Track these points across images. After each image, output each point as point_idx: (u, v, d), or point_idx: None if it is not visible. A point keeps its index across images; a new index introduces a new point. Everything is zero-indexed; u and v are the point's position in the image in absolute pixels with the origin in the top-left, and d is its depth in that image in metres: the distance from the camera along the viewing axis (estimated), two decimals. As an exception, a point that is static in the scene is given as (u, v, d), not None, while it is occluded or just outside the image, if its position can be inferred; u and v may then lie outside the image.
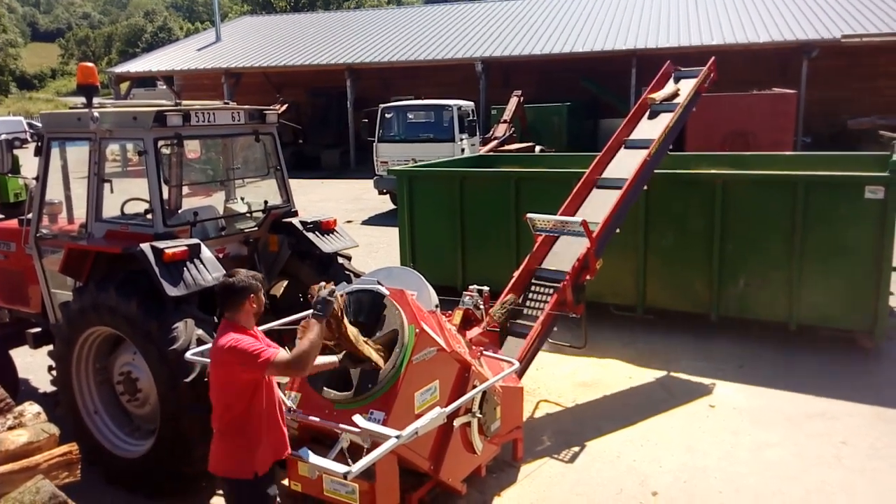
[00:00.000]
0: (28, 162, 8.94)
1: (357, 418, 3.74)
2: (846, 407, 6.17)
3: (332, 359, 3.96)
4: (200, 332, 4.72)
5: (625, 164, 7.32)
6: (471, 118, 17.94)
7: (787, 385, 6.62)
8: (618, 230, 6.67)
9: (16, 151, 6.57)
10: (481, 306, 5.39)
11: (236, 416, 3.45)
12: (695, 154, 10.86)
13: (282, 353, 3.36)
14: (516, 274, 6.43)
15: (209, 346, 4.38)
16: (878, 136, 20.49)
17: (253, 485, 3.50)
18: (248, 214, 6.23)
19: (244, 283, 3.52)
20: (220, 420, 3.49)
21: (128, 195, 5.71)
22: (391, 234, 11.89)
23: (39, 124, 6.20)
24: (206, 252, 5.03)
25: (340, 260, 6.12)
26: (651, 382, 6.87)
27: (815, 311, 7.28)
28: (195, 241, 5.07)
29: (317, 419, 3.97)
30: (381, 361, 4.08)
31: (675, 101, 7.86)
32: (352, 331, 3.98)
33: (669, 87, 8.17)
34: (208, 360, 3.72)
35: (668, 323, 8.06)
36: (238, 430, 3.46)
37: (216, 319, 5.08)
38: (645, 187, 7.23)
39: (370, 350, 4.08)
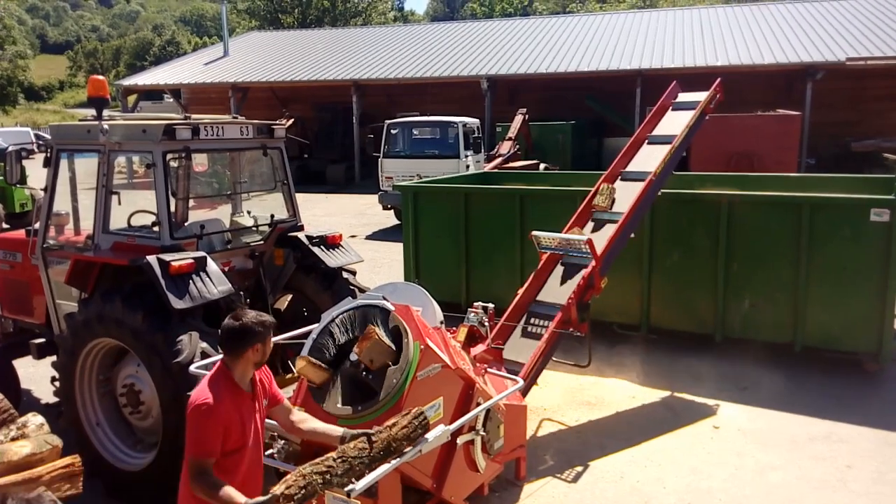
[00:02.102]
0: (35, 172, 8.98)
1: (361, 434, 3.71)
2: (851, 430, 6.14)
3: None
4: (205, 345, 4.72)
5: (630, 187, 7.37)
6: (476, 135, 18.01)
7: (791, 407, 6.58)
8: (632, 235, 6.80)
9: (23, 162, 6.61)
10: (486, 323, 5.39)
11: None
12: (699, 174, 10.87)
13: (200, 466, 2.99)
14: (521, 291, 6.43)
15: (214, 359, 4.38)
16: (882, 158, 20.53)
17: None
18: (254, 228, 6.25)
19: (250, 330, 3.14)
20: (186, 463, 3.14)
21: (135, 207, 5.73)
22: (395, 250, 11.92)
23: (47, 135, 6.25)
24: (212, 265, 5.04)
25: (345, 275, 6.12)
26: (655, 402, 6.84)
27: (819, 332, 7.26)
28: (201, 254, 5.09)
29: (320, 435, 3.95)
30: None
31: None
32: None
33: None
34: None
35: (672, 343, 8.04)
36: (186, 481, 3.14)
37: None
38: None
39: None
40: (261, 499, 2.83)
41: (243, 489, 3.06)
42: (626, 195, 7.12)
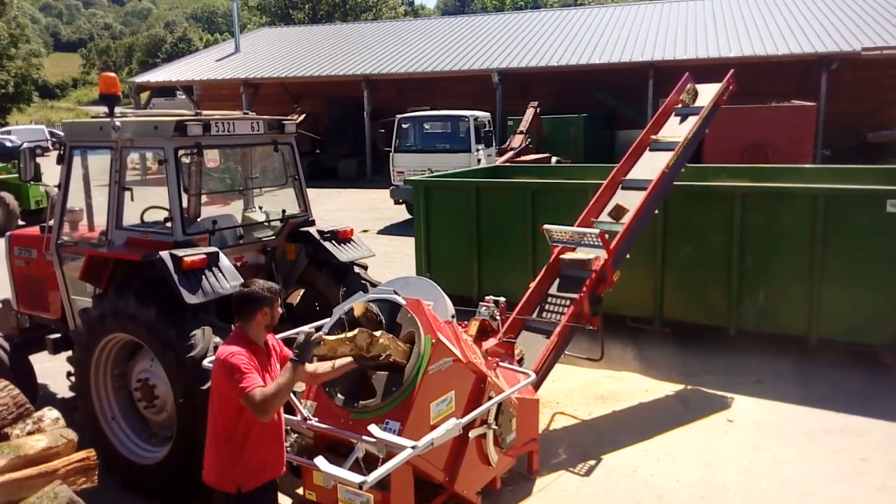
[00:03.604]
0: (49, 170, 9.06)
1: (373, 428, 3.73)
2: (866, 423, 6.08)
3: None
4: (218, 339, 4.73)
5: (646, 171, 7.31)
6: (487, 129, 17.97)
7: (806, 400, 6.53)
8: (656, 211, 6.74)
9: (38, 159, 6.67)
10: (497, 317, 5.38)
11: (224, 427, 3.39)
12: (713, 166, 10.80)
13: (257, 390, 3.24)
14: (532, 285, 6.41)
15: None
16: (898, 149, 20.29)
17: (236, 500, 3.42)
18: (266, 223, 6.26)
19: (258, 295, 3.48)
20: (212, 428, 3.46)
21: (148, 203, 5.77)
22: (407, 244, 11.92)
23: (61, 133, 6.29)
24: (224, 260, 5.06)
25: (357, 269, 6.13)
26: (668, 396, 6.81)
27: (835, 325, 7.18)
28: (214, 249, 5.11)
29: (332, 428, 3.97)
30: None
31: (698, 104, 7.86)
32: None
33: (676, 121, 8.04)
34: None
35: (686, 336, 7.99)
36: (225, 441, 3.40)
37: (233, 327, 5.11)
38: (656, 211, 7.17)
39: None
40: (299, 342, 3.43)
41: (263, 439, 3.45)
42: (632, 199, 7.04)
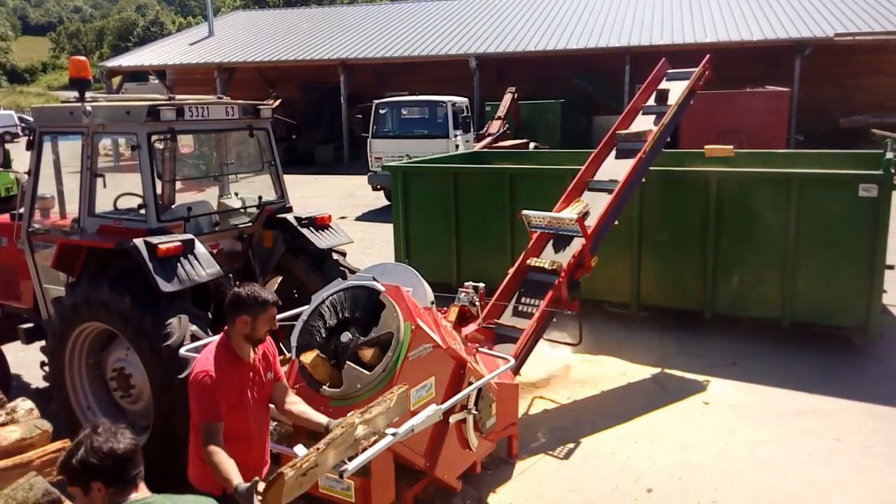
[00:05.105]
0: (19, 156, 8.88)
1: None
2: (838, 404, 6.20)
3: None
4: (195, 328, 4.70)
5: (620, 164, 7.32)
6: (465, 114, 17.92)
7: (780, 382, 6.64)
8: (616, 222, 6.72)
9: (7, 146, 6.53)
10: (477, 303, 5.39)
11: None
12: (689, 151, 10.86)
13: (208, 429, 3.08)
14: (511, 270, 6.43)
15: (204, 342, 4.36)
16: (870, 134, 20.60)
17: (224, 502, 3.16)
18: (242, 210, 6.20)
19: (241, 299, 3.24)
20: (192, 427, 3.27)
21: (121, 190, 5.67)
22: (385, 231, 11.88)
23: (31, 118, 6.16)
24: (199, 247, 5.00)
25: (335, 256, 6.09)
26: (646, 379, 6.88)
27: (808, 308, 7.30)
28: (189, 236, 5.04)
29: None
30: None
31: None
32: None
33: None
34: None
35: (663, 320, 8.08)
36: (198, 444, 3.22)
37: (210, 315, 5.06)
38: (643, 179, 7.22)
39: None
40: (245, 485, 2.89)
41: (247, 454, 3.29)
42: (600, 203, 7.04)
